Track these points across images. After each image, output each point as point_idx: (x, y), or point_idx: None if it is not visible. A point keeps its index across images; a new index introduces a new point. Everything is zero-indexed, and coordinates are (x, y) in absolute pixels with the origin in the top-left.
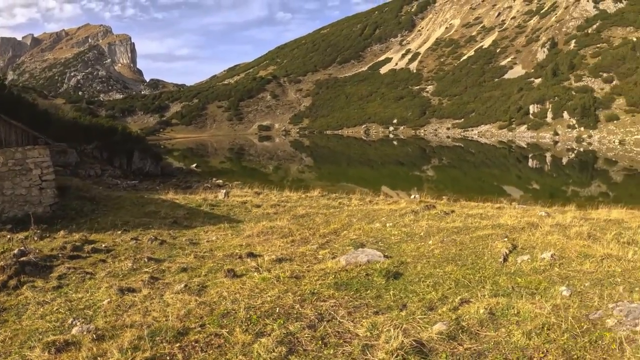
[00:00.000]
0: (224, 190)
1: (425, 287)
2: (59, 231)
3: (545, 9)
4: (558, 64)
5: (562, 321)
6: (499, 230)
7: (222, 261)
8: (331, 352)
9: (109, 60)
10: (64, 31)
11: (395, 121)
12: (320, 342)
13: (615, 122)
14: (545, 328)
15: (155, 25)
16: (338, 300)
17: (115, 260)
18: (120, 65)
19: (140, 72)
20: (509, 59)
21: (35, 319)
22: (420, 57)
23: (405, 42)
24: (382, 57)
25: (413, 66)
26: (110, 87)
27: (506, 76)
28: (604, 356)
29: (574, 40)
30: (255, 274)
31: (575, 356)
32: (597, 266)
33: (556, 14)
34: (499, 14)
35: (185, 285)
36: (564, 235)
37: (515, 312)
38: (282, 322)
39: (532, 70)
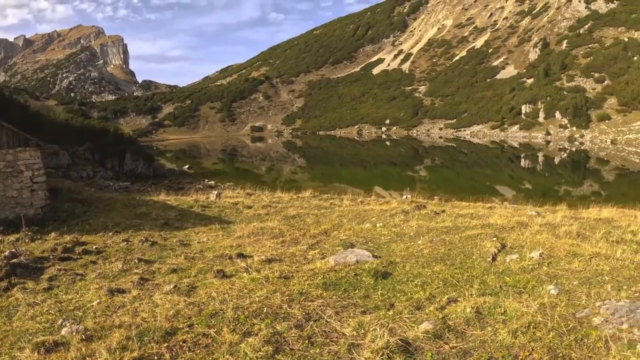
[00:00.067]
0: (216, 192)
1: (414, 287)
2: (50, 233)
3: (537, 9)
4: (550, 64)
5: (548, 320)
6: (489, 230)
7: (212, 262)
8: (317, 351)
9: (101, 61)
10: (56, 32)
11: (387, 122)
12: (306, 341)
13: (607, 121)
14: (531, 327)
15: (147, 26)
16: (326, 300)
17: (105, 261)
18: (112, 66)
19: (132, 74)
20: (501, 59)
21: (25, 320)
22: (412, 57)
23: (397, 42)
24: (375, 58)
25: (405, 67)
26: (102, 89)
27: (498, 76)
28: (590, 354)
29: (565, 41)
30: (245, 274)
31: (561, 354)
32: (585, 265)
33: (548, 14)
34: (491, 14)
35: (175, 286)
36: (553, 234)
37: (502, 311)
38: (269, 321)
39: (524, 71)
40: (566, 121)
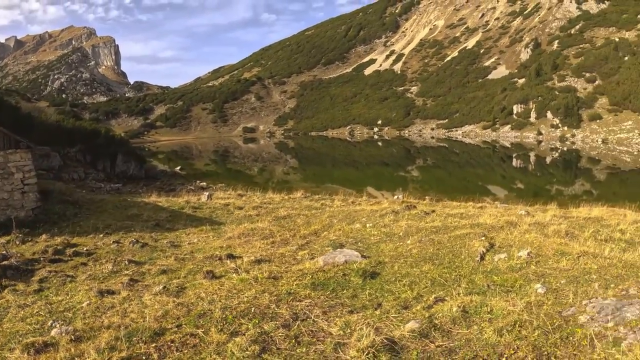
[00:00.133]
0: (207, 193)
1: (401, 287)
2: (41, 235)
3: (529, 9)
4: (541, 64)
5: (534, 318)
6: (478, 230)
7: (202, 263)
8: (304, 350)
9: (92, 62)
10: (48, 33)
11: (379, 122)
12: (293, 340)
13: (598, 121)
14: (517, 325)
15: (139, 27)
16: (314, 300)
17: (96, 263)
18: (104, 67)
19: (124, 75)
20: (492, 60)
21: (16, 321)
22: (404, 58)
23: (389, 43)
24: (367, 59)
25: (397, 67)
26: (94, 90)
27: (490, 77)
28: (575, 352)
29: (557, 41)
30: (234, 275)
31: (546, 352)
32: (573, 263)
33: (539, 14)
34: (483, 15)
35: (164, 287)
36: (542, 233)
37: (489, 309)
38: (257, 321)
39: (516, 71)
40: (557, 121)
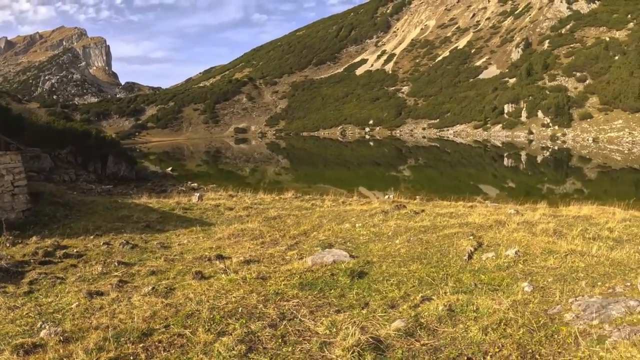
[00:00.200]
0: (198, 194)
1: (389, 286)
2: (32, 237)
3: (520, 9)
4: (532, 64)
5: (519, 316)
6: (466, 229)
7: (192, 264)
8: (290, 349)
9: (83, 63)
10: (38, 34)
11: (371, 122)
12: (280, 340)
13: (588, 120)
14: (502, 323)
15: (130, 28)
16: (301, 299)
17: (86, 265)
18: (95, 68)
19: (115, 75)
20: (483, 60)
21: (5, 323)
22: (395, 58)
23: (380, 43)
24: (358, 59)
25: (389, 67)
26: (85, 91)
27: (481, 76)
28: (559, 350)
29: (547, 41)
30: (223, 275)
31: (530, 350)
32: (561, 262)
33: (530, 14)
34: (474, 15)
35: (153, 288)
36: (530, 232)
37: (475, 308)
38: (244, 321)
39: (507, 70)
40: (548, 120)
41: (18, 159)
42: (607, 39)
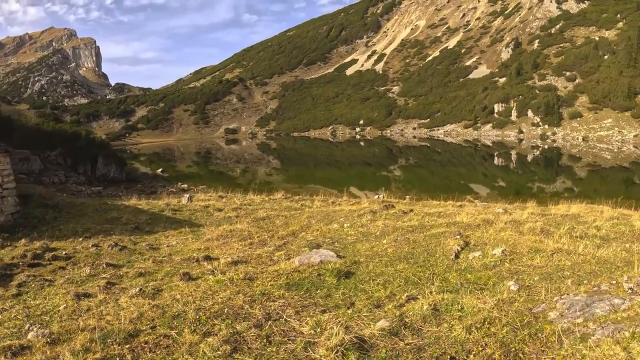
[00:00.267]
0: (187, 195)
1: (375, 286)
2: (20, 239)
3: (509, 9)
4: (522, 64)
5: (503, 315)
6: (454, 228)
7: (180, 265)
8: (274, 349)
9: (73, 64)
10: (28, 35)
11: (361, 122)
12: (265, 340)
13: (578, 119)
14: (487, 322)
15: (120, 28)
16: (287, 300)
17: (74, 267)
18: (85, 69)
19: (105, 76)
20: (473, 59)
21: None
22: (386, 58)
23: (371, 43)
24: (348, 59)
25: (379, 67)
26: (75, 92)
27: (471, 76)
28: (543, 348)
29: (537, 40)
30: (210, 276)
31: (514, 349)
32: (547, 261)
33: (520, 14)
34: (464, 15)
35: (141, 290)
36: (517, 231)
37: (459, 307)
38: (230, 322)
39: (497, 70)
40: (538, 119)
41: (7, 161)
42: (597, 38)
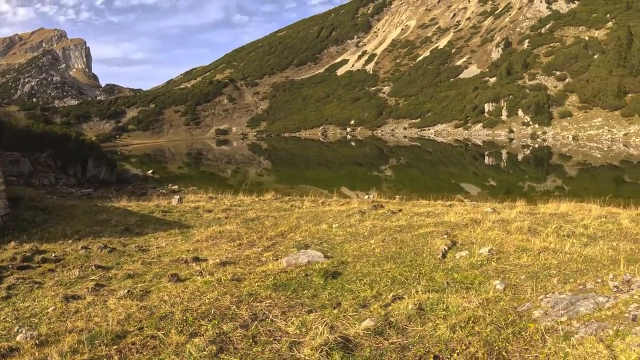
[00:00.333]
0: (178, 196)
1: (362, 286)
2: (10, 242)
3: (500, 9)
4: (512, 63)
5: (488, 314)
6: (441, 228)
7: (168, 266)
8: (260, 349)
9: (63, 65)
10: (18, 36)
11: (352, 122)
12: (250, 340)
13: (568, 118)
14: (471, 321)
15: (110, 29)
16: (274, 300)
17: (64, 269)
18: (75, 70)
19: (95, 77)
20: (464, 59)
21: None
22: (376, 58)
23: (361, 43)
24: (339, 59)
25: (369, 67)
26: (65, 93)
27: (461, 76)
28: (526, 347)
29: (527, 40)
30: (199, 277)
31: (497, 347)
32: (534, 259)
33: (510, 14)
34: (454, 15)
35: (129, 291)
36: (505, 230)
37: (445, 306)
38: (216, 322)
39: (487, 70)
40: (529, 119)
41: None
42: (587, 38)
